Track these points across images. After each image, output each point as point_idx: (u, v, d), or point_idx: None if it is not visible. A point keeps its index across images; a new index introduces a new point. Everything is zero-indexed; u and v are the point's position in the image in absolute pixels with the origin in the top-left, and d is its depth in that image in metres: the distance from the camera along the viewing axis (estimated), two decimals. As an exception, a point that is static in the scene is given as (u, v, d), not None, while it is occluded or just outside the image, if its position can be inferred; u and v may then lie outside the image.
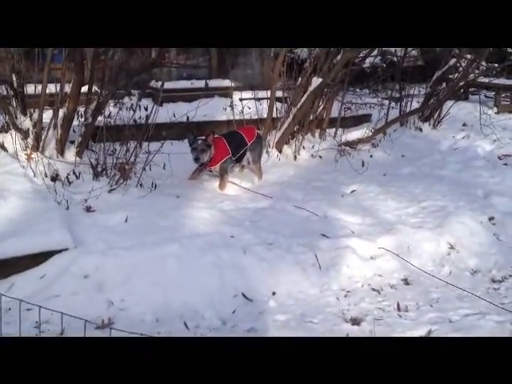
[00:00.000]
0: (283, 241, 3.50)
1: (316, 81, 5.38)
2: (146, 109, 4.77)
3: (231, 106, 5.99)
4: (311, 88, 5.38)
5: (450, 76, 6.94)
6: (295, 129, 5.73)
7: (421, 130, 6.69)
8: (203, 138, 4.36)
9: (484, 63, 11.50)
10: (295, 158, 5.57)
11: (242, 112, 6.17)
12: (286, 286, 3.12)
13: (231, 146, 4.52)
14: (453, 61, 6.92)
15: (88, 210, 3.63)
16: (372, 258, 3.48)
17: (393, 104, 7.00)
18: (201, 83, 6.39)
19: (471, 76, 6.84)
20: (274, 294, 3.06)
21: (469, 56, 6.80)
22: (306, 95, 5.47)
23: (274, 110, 5.76)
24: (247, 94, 6.54)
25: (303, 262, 3.30)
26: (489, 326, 2.75)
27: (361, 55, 6.31)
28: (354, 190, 4.68)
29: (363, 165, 5.37)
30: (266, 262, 3.22)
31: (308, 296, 3.07)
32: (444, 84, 6.95)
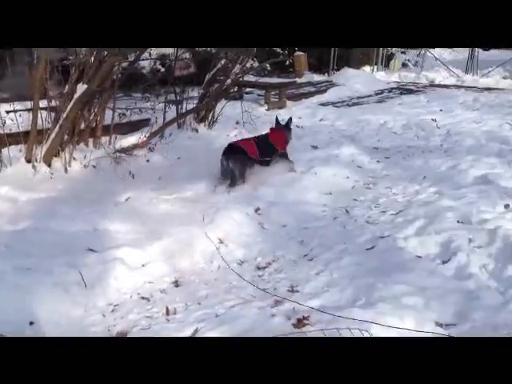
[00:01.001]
0: (44, 263, 3.21)
1: (81, 87, 5.11)
2: None
3: (-11, 119, 5.41)
4: (77, 95, 5.11)
5: (221, 77, 7.24)
6: (65, 139, 5.40)
7: (197, 130, 6.85)
8: None
9: (256, 63, 12.36)
10: (66, 170, 5.24)
11: (3, 125, 5.61)
12: (45, 312, 2.86)
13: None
14: (222, 62, 7.23)
15: None
16: (143, 265, 3.40)
17: (171, 107, 7.04)
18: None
19: (239, 76, 7.22)
20: (31, 323, 2.78)
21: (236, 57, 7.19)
22: (71, 103, 5.17)
23: (40, 121, 5.34)
24: (18, 106, 5.96)
25: (66, 282, 3.07)
26: (252, 314, 2.86)
27: (130, 59, 6.19)
28: (128, 198, 4.57)
29: (137, 171, 5.28)
30: (21, 289, 2.92)
31: (70, 319, 2.84)
32: (216, 85, 7.22)
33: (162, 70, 10.91)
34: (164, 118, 6.62)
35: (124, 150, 5.73)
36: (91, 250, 3.47)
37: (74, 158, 5.38)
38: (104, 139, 6.01)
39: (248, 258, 3.64)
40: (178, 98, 7.07)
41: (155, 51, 10.23)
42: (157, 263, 3.43)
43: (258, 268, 3.51)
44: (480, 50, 14.22)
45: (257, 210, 4.29)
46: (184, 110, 6.95)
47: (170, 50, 9.84)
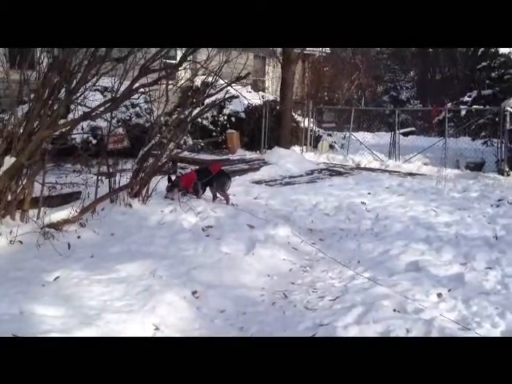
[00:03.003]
0: (-39, 353, 2.92)
1: (9, 160, 4.93)
2: None
3: None
4: (4, 168, 4.91)
5: (155, 152, 7.24)
6: (-11, 213, 5.12)
7: (131, 206, 6.69)
8: None
9: (190, 139, 12.56)
10: (-11, 246, 4.93)
11: None
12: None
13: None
14: (157, 139, 7.26)
15: None
16: (73, 354, 3.18)
17: (104, 182, 6.90)
18: None
19: (174, 152, 7.26)
20: None
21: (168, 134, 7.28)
22: (-2, 177, 4.96)
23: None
24: None
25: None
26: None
27: (57, 133, 6.03)
28: (57, 277, 4.32)
29: (69, 247, 5.06)
30: None
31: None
32: (150, 160, 7.20)
33: (94, 142, 10.82)
34: (96, 193, 6.46)
35: (53, 225, 5.50)
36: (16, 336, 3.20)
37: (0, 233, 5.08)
38: (32, 212, 5.74)
39: (186, 346, 3.50)
40: (111, 170, 6.96)
41: (87, 124, 10.17)
42: (87, 352, 3.22)
43: (197, 358, 3.36)
44: (401, 137, 15.23)
45: (194, 292, 4.18)
46: (117, 184, 6.83)
47: (102, 124, 9.82)
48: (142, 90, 6.53)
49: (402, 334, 3.40)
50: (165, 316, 3.74)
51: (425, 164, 13.15)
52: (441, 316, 3.66)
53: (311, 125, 15.40)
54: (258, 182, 9.99)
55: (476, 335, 3.33)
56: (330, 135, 17.80)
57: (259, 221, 6.39)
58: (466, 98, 14.76)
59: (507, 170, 11.58)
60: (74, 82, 5.72)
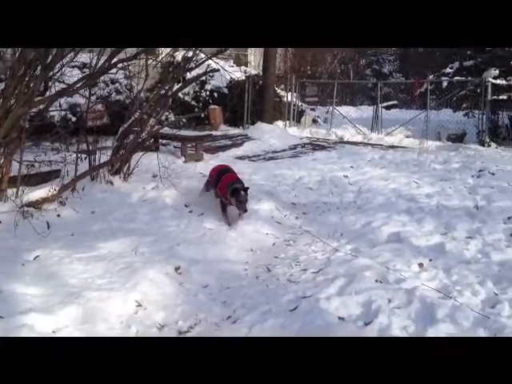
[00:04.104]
0: None
1: (-16, 138, 4.82)
2: None
3: None
4: (-23, 147, 4.80)
5: (136, 129, 7.12)
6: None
7: (112, 183, 6.61)
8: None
9: (172, 115, 12.40)
10: (-33, 226, 4.85)
11: None
12: None
13: None
14: (137, 115, 7.14)
15: None
16: (54, 332, 3.15)
17: (84, 160, 6.79)
18: None
19: (155, 129, 7.16)
20: None
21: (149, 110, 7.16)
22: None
23: None
24: None
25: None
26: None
27: (34, 110, 5.90)
28: (37, 256, 4.26)
29: (49, 226, 4.98)
30: None
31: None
32: (131, 137, 7.08)
33: (73, 119, 10.62)
34: (76, 170, 6.36)
35: (32, 204, 5.40)
36: (-4, 316, 3.16)
37: (-24, 213, 4.99)
38: (10, 191, 5.63)
39: (169, 321, 3.48)
40: (91, 148, 6.84)
41: (65, 100, 9.97)
42: (68, 330, 3.19)
43: (180, 332, 3.36)
44: (383, 110, 15.22)
45: (177, 268, 4.16)
46: (97, 161, 6.72)
47: (81, 101, 9.63)
48: (120, 65, 6.38)
49: (384, 304, 3.42)
50: (147, 292, 3.71)
51: (407, 137, 13.19)
52: (422, 285, 3.70)
53: (294, 99, 15.29)
54: (241, 158, 9.94)
55: (457, 304, 3.37)
56: (313, 110, 17.73)
57: (242, 196, 6.35)
58: (448, 70, 14.72)
59: (488, 141, 11.66)
60: (50, 57, 5.57)
